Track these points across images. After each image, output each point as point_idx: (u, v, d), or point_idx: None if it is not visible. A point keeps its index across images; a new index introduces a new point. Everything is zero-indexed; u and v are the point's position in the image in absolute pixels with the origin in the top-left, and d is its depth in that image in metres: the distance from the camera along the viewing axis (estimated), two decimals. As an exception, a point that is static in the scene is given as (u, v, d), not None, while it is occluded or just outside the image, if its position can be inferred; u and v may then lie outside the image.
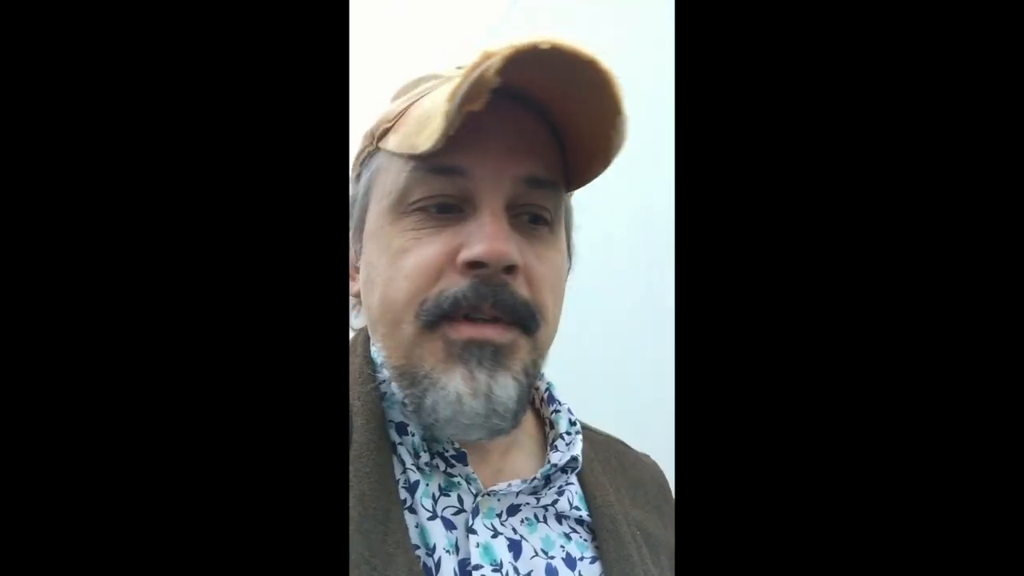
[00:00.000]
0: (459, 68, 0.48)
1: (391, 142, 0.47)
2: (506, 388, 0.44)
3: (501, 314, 0.44)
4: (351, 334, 0.54)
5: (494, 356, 0.44)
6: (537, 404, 0.58)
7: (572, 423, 0.55)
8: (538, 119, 0.46)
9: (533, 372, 0.47)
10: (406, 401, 0.45)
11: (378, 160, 0.49)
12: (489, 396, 0.43)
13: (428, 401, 0.44)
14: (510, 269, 0.43)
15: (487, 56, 0.38)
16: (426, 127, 0.42)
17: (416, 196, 0.45)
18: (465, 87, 0.38)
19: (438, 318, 0.44)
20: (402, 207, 0.46)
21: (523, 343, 0.46)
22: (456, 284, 0.43)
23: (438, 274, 0.44)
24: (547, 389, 0.58)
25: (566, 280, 0.52)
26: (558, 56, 0.39)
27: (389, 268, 0.46)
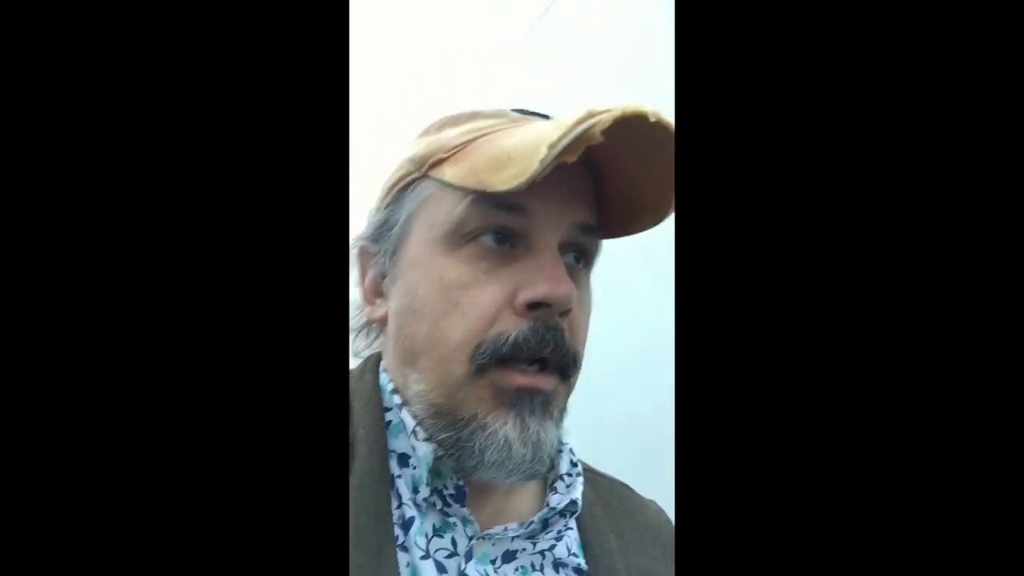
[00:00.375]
0: (517, 112, 0.51)
1: (448, 173, 0.46)
2: (550, 435, 0.45)
3: (554, 359, 0.44)
4: (359, 359, 0.54)
5: (544, 405, 0.44)
6: None
7: (573, 464, 0.54)
8: (590, 171, 0.48)
9: (562, 417, 0.48)
10: (440, 440, 0.45)
11: (426, 188, 0.48)
12: (538, 444, 0.44)
13: (476, 445, 0.43)
14: (566, 313, 0.44)
15: (592, 114, 0.39)
16: (506, 168, 0.42)
17: (473, 226, 0.45)
18: (569, 139, 0.39)
19: (493, 363, 0.44)
20: (456, 238, 0.45)
21: (562, 390, 0.46)
22: (515, 326, 0.44)
23: (496, 315, 0.44)
24: None
25: None
26: (658, 128, 0.40)
27: (441, 302, 0.45)
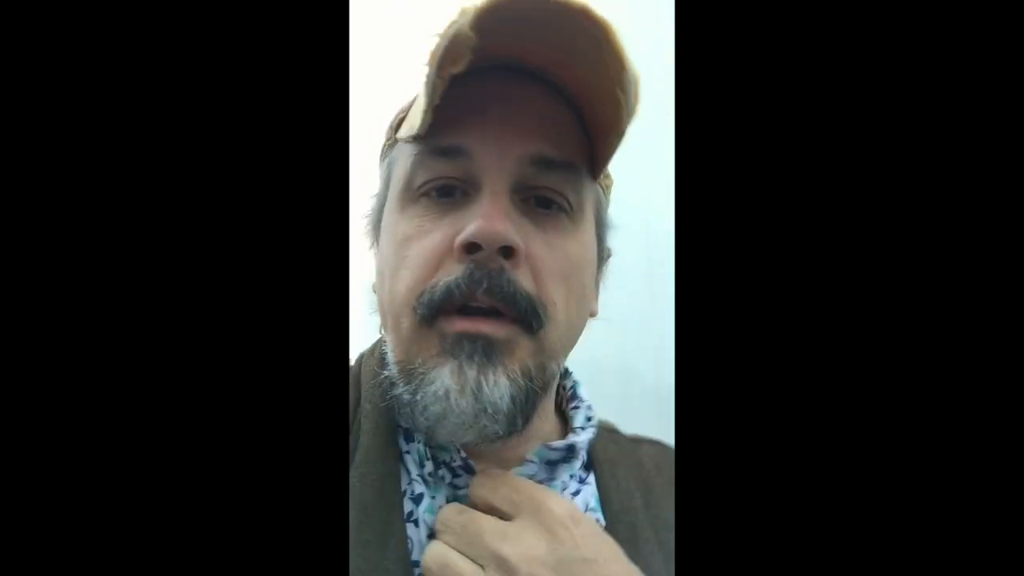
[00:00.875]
0: None
1: (402, 130, 0.45)
2: (498, 387, 0.40)
3: (497, 303, 0.40)
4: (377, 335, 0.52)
5: (486, 351, 0.40)
6: (563, 406, 0.54)
7: (588, 419, 0.50)
8: (556, 98, 0.43)
9: (539, 376, 0.42)
10: (405, 400, 0.42)
11: (395, 151, 0.48)
12: (477, 393, 0.39)
13: (419, 398, 0.41)
14: (508, 253, 0.40)
15: (463, 13, 0.35)
16: (418, 105, 0.40)
17: (420, 181, 0.43)
18: (442, 48, 0.36)
19: (434, 311, 0.41)
20: (408, 194, 0.44)
21: (524, 342, 0.41)
22: (452, 272, 0.40)
23: (438, 263, 0.41)
24: (572, 387, 0.54)
25: (593, 277, 0.47)
26: (541, 7, 0.36)
27: (393, 258, 0.44)
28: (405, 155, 0.45)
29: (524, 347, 0.41)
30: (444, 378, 0.40)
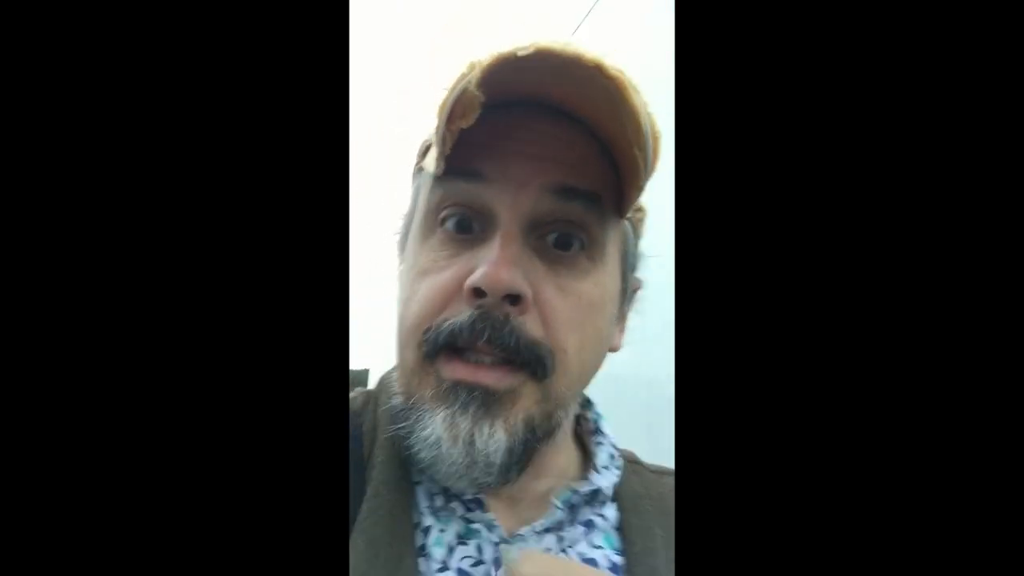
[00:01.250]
0: None
1: (427, 159, 0.44)
2: (494, 440, 0.39)
3: (500, 354, 0.39)
4: None
5: (484, 403, 0.39)
6: (585, 439, 0.52)
7: (612, 457, 0.49)
8: (583, 132, 0.41)
9: (543, 424, 0.41)
10: (404, 434, 0.42)
11: (421, 178, 0.47)
12: (469, 445, 0.39)
13: (414, 439, 0.41)
14: (514, 300, 0.39)
15: (471, 67, 0.35)
16: (433, 152, 0.40)
17: (438, 203, 0.43)
18: (450, 103, 0.36)
19: (437, 349, 0.40)
20: (429, 222, 0.44)
21: (529, 390, 0.40)
22: (458, 314, 0.40)
23: (447, 301, 0.41)
24: (595, 421, 0.52)
25: (613, 315, 0.46)
26: (553, 61, 0.35)
27: (408, 289, 0.44)
28: (428, 184, 0.44)
29: (529, 396, 0.40)
30: (436, 426, 0.39)
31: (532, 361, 0.40)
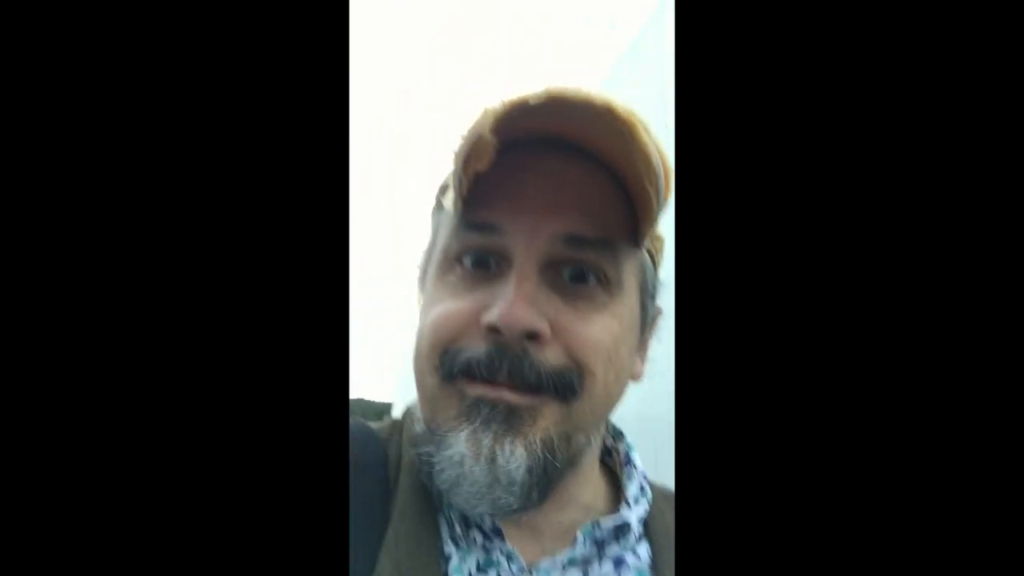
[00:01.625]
0: None
1: (447, 198, 0.45)
2: (514, 457, 0.39)
3: (520, 386, 0.40)
4: None
5: (506, 419, 0.40)
6: (617, 470, 0.52)
7: (642, 489, 0.49)
8: (595, 168, 0.42)
9: (562, 447, 0.41)
10: (426, 460, 0.42)
11: (441, 216, 0.47)
12: (492, 462, 0.39)
13: (437, 461, 0.41)
14: (532, 337, 0.40)
15: (484, 115, 0.36)
16: (450, 193, 0.41)
17: (456, 250, 0.43)
18: (465, 148, 0.37)
19: (454, 373, 0.41)
20: (447, 263, 0.44)
21: (551, 411, 0.41)
22: (474, 347, 0.41)
23: (461, 330, 0.41)
24: (626, 451, 0.52)
25: (633, 346, 0.46)
26: (564, 106, 0.36)
27: (422, 320, 0.45)
28: (447, 224, 0.45)
29: (549, 416, 0.41)
30: (460, 444, 0.40)
31: (558, 387, 0.40)
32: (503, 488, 0.39)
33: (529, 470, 0.40)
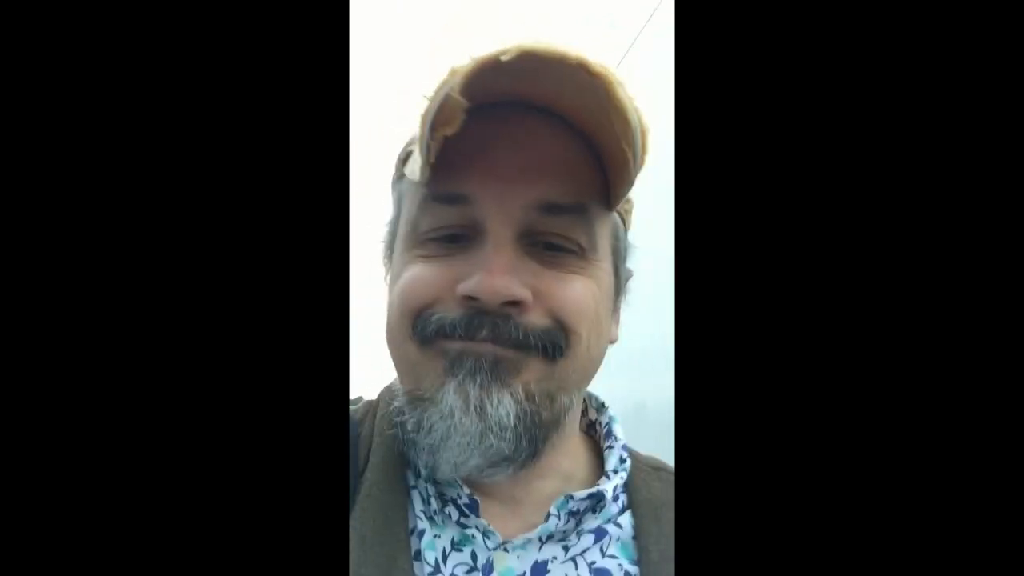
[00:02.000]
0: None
1: (409, 167, 0.43)
2: (503, 405, 0.39)
3: (503, 346, 0.40)
4: None
5: (492, 369, 0.39)
6: (600, 443, 0.52)
7: (622, 460, 0.49)
8: (567, 132, 0.41)
9: (548, 405, 0.41)
10: (409, 427, 0.42)
11: (403, 185, 0.46)
12: (481, 410, 0.39)
13: (425, 422, 0.40)
14: (514, 304, 0.39)
15: (452, 74, 0.34)
16: (417, 158, 0.39)
17: (425, 227, 0.42)
18: (432, 111, 0.35)
19: (432, 334, 0.41)
20: (415, 237, 0.43)
21: (535, 365, 0.40)
22: (450, 312, 0.40)
23: (435, 296, 0.41)
24: (607, 424, 0.52)
25: (609, 309, 0.46)
26: (537, 63, 0.34)
27: (391, 293, 0.44)
28: (412, 195, 0.44)
29: (533, 370, 0.40)
30: (448, 396, 0.39)
31: (545, 344, 0.40)
32: (495, 435, 0.39)
33: (518, 417, 0.39)
